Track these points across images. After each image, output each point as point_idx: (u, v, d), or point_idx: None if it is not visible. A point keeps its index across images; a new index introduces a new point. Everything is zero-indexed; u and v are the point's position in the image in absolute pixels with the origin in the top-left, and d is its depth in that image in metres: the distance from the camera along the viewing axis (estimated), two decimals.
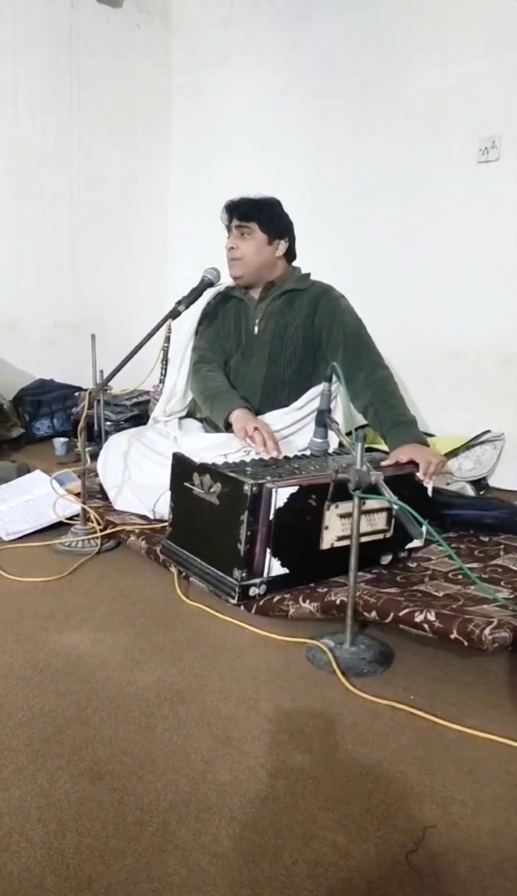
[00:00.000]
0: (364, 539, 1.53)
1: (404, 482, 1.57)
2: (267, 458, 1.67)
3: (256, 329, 2.03)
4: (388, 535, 1.58)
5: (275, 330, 2.00)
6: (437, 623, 1.20)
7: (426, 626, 1.21)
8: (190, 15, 3.73)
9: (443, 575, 1.54)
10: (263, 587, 1.43)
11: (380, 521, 1.56)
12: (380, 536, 1.57)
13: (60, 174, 3.53)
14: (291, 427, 1.95)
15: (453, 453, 2.42)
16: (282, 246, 1.99)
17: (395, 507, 1.21)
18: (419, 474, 1.62)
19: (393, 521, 1.56)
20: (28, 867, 0.78)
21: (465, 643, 1.16)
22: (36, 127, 3.40)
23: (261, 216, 1.96)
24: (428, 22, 2.67)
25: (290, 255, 2.04)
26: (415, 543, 1.65)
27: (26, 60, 3.31)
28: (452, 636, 1.17)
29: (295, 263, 2.08)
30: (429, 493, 1.66)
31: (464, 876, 0.79)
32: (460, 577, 1.52)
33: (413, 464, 1.64)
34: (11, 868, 0.78)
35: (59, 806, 0.88)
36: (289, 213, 2.03)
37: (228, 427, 1.89)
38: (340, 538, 1.49)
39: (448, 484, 2.18)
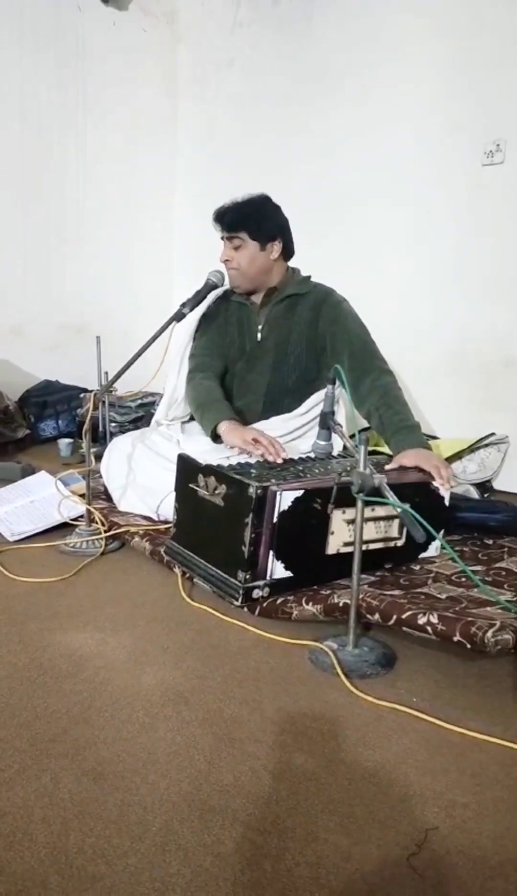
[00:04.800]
0: (373, 546, 1.53)
1: (417, 490, 1.57)
2: (275, 461, 1.67)
3: (259, 336, 2.02)
4: (400, 543, 1.58)
5: (278, 336, 2.00)
6: (440, 625, 1.20)
7: (429, 628, 1.21)
8: (196, 20, 3.74)
9: (447, 577, 1.54)
10: (267, 589, 1.44)
11: (391, 529, 1.56)
12: (391, 545, 1.57)
13: (66, 177, 3.54)
14: (295, 433, 1.96)
15: (457, 456, 2.42)
16: (277, 248, 1.95)
17: (398, 509, 1.21)
18: (436, 482, 1.61)
19: (405, 529, 1.55)
20: (32, 866, 0.79)
21: (468, 646, 1.16)
22: (42, 130, 3.42)
23: (248, 224, 1.91)
24: (431, 25, 2.68)
25: (287, 253, 2.01)
26: (430, 553, 1.65)
27: (33, 64, 3.33)
28: (455, 639, 1.17)
29: (298, 266, 2.07)
30: (446, 501, 1.66)
31: (466, 878, 0.79)
32: (463, 579, 1.52)
33: (418, 469, 1.64)
34: (15, 867, 0.79)
35: (63, 805, 0.89)
36: (290, 215, 2.00)
37: (216, 439, 1.88)
38: (347, 544, 1.49)
39: (452, 487, 2.18)
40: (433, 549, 1.66)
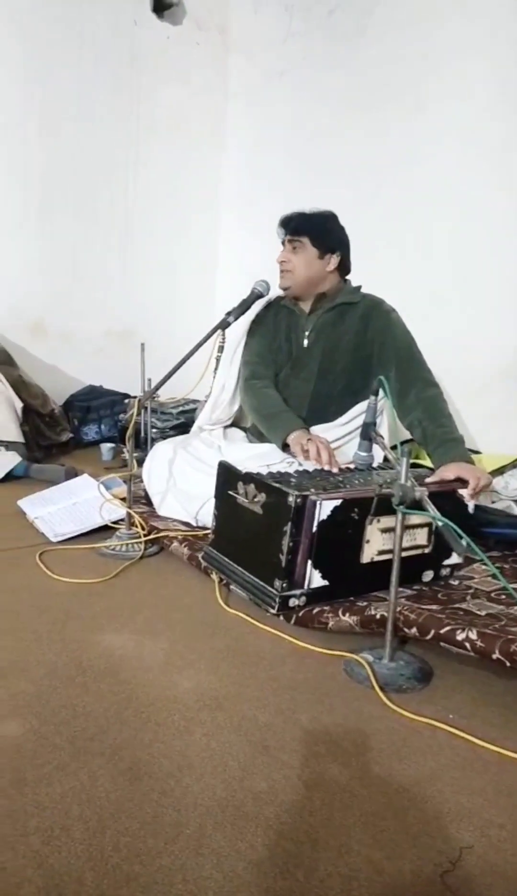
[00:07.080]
0: (404, 554, 1.52)
1: (444, 498, 1.56)
2: (331, 469, 1.68)
3: (306, 342, 2.03)
4: (427, 550, 1.57)
5: (326, 344, 2.01)
6: (479, 642, 1.18)
7: (467, 644, 1.20)
8: (248, 32, 3.79)
9: (486, 594, 1.52)
10: (303, 598, 1.44)
11: (420, 536, 1.55)
12: (419, 552, 1.56)
13: (117, 188, 3.62)
14: (337, 441, 1.95)
15: (500, 471, 2.38)
16: (334, 260, 1.99)
17: (440, 523, 1.21)
18: (464, 492, 1.60)
19: (433, 536, 1.55)
20: (68, 862, 0.81)
21: (508, 664, 1.15)
22: (95, 140, 3.50)
23: (311, 230, 1.97)
24: (486, 34, 2.66)
25: (344, 269, 2.05)
26: (454, 560, 1.64)
27: (89, 77, 3.43)
28: (494, 656, 1.16)
29: (350, 277, 2.08)
30: (470, 510, 1.64)
31: None
32: (503, 596, 1.50)
33: (459, 481, 1.62)
34: (53, 862, 0.80)
35: (99, 804, 0.90)
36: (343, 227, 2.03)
37: (285, 448, 1.89)
38: (381, 552, 1.49)
39: (493, 502, 2.15)
40: (456, 556, 1.64)
